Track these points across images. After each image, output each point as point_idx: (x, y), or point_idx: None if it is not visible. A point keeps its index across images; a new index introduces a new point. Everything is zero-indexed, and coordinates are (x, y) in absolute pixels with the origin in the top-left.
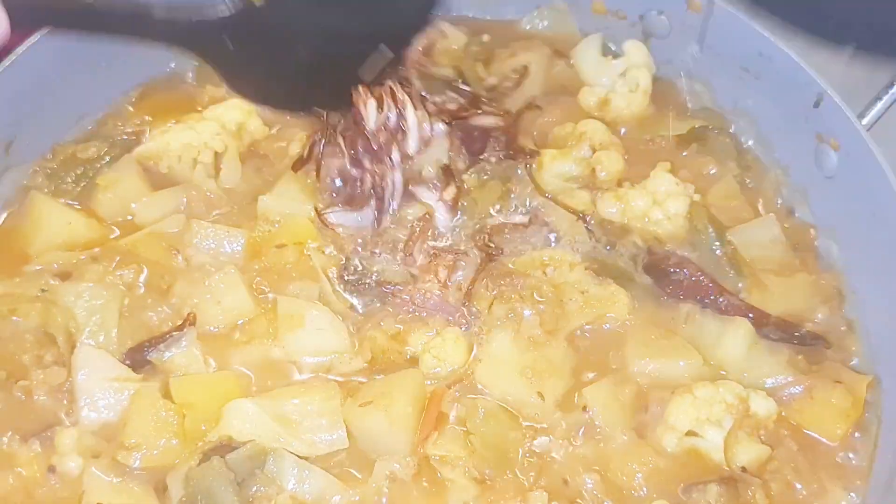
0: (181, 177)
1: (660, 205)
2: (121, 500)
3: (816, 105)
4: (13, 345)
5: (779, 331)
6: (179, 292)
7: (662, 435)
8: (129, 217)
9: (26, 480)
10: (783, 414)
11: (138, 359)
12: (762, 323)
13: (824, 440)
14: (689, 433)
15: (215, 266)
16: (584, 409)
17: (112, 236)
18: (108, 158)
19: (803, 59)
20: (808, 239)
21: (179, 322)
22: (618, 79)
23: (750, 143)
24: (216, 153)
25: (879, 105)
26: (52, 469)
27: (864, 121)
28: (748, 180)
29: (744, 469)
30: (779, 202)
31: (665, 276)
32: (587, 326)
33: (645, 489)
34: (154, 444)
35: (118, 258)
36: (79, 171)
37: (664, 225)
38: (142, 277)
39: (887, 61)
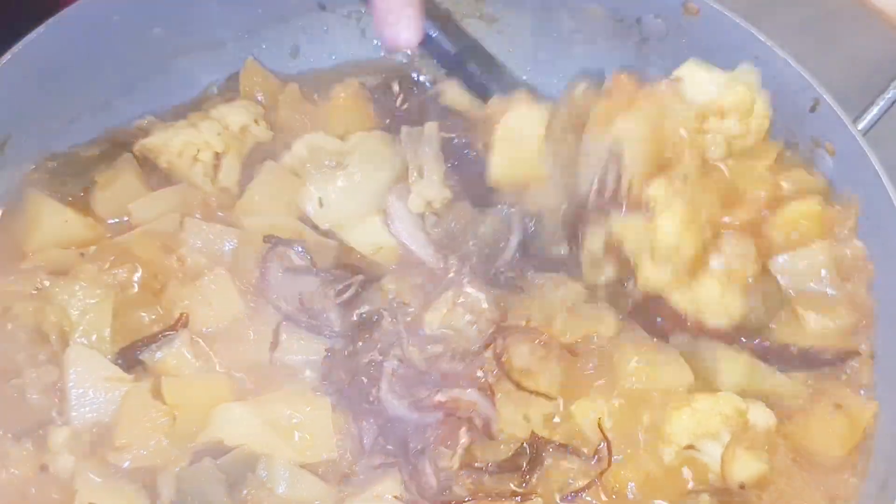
0: (180, 174)
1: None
2: (112, 499)
3: (812, 110)
4: (7, 342)
5: (783, 361)
6: (172, 293)
7: (659, 448)
8: (125, 218)
9: (19, 479)
10: (780, 426)
11: (130, 359)
12: (765, 357)
13: (818, 460)
14: (688, 447)
15: (209, 266)
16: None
17: (108, 235)
18: (107, 157)
19: (799, 63)
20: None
21: (171, 322)
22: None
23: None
24: (216, 153)
25: (875, 110)
26: (44, 468)
27: (860, 125)
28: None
29: (742, 486)
30: None
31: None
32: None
33: (639, 497)
34: (145, 444)
35: (113, 257)
36: (77, 169)
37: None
38: (136, 277)
39: (883, 66)
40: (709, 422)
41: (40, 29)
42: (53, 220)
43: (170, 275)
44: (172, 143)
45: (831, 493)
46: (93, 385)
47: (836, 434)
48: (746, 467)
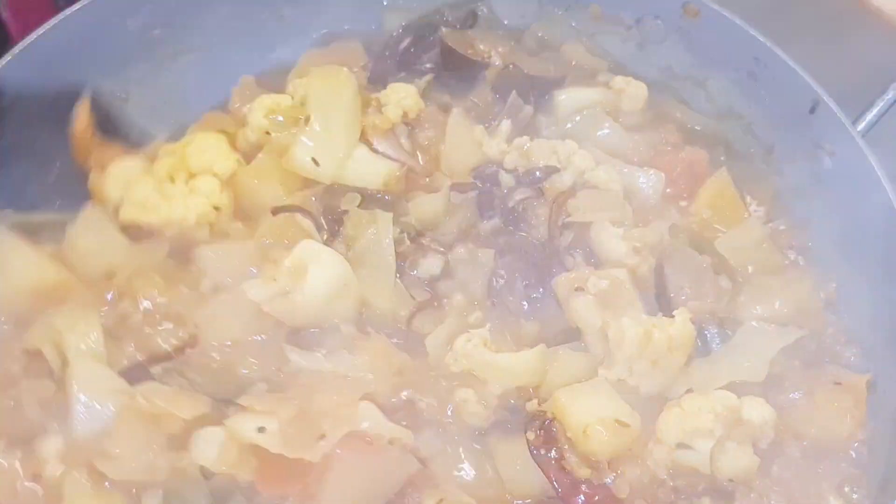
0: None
1: None
2: None
3: (812, 111)
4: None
5: None
6: (183, 312)
7: (653, 449)
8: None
9: (11, 485)
10: (785, 421)
11: (137, 374)
12: None
13: (827, 445)
14: (681, 445)
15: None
16: None
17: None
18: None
19: (799, 64)
20: (802, 241)
21: (182, 341)
22: None
23: (745, 147)
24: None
25: (874, 111)
26: (36, 476)
27: (860, 126)
28: (742, 184)
29: (731, 481)
30: (772, 205)
31: None
32: None
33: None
34: (136, 457)
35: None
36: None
37: None
38: (141, 301)
39: (883, 66)
40: (698, 420)
41: (40, 29)
42: (25, 269)
43: (180, 295)
44: (172, 218)
45: (839, 482)
46: (97, 396)
47: (841, 409)
48: (736, 461)
